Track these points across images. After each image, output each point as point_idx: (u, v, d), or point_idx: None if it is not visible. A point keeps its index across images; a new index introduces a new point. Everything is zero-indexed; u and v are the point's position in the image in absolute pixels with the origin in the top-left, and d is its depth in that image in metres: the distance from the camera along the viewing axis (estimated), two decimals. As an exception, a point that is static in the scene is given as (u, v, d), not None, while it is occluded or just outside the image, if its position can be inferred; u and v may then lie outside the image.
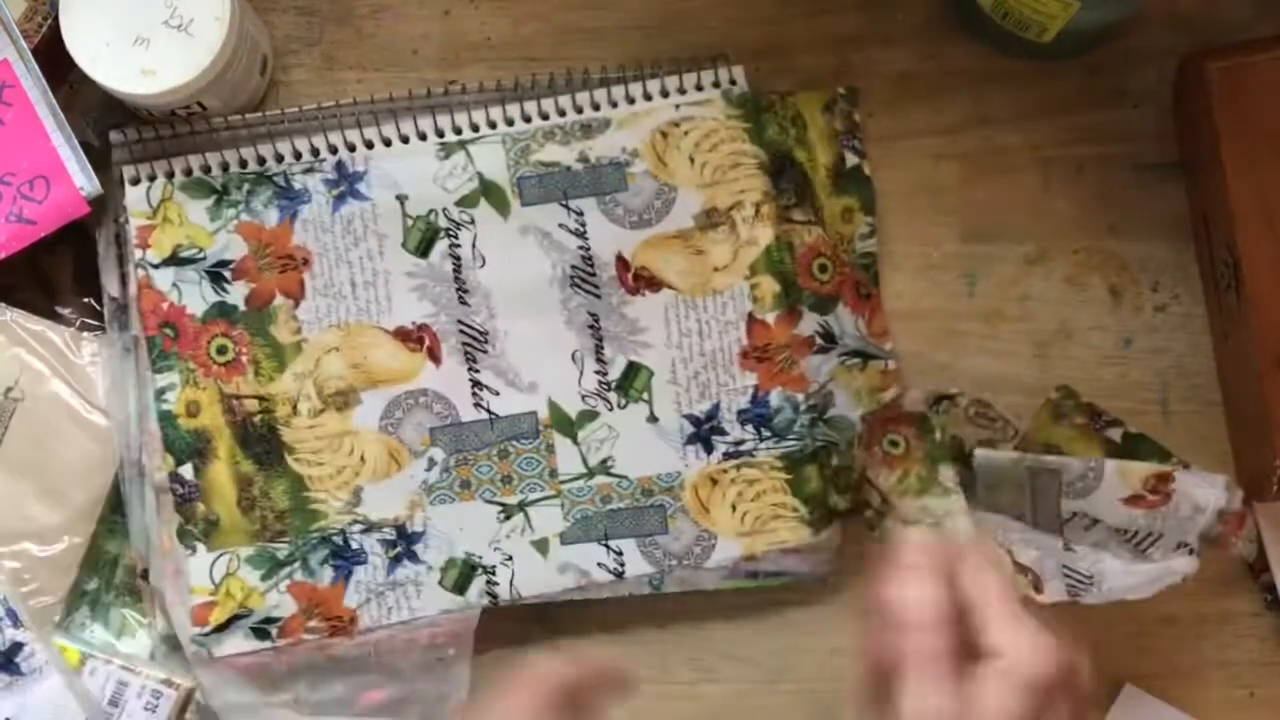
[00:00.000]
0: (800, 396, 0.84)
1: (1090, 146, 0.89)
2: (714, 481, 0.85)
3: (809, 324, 0.85)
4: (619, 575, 0.84)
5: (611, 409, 0.85)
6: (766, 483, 0.84)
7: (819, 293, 0.85)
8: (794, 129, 0.87)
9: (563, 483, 0.85)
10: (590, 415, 0.85)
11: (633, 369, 0.85)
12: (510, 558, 0.84)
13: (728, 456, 0.85)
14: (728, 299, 0.85)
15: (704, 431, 0.85)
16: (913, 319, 0.89)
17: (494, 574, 0.84)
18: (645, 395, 0.85)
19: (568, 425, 0.85)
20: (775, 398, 0.85)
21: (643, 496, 0.85)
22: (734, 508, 0.84)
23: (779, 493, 0.84)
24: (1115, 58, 0.89)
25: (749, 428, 0.85)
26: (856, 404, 0.86)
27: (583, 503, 0.85)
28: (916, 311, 0.89)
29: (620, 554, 0.84)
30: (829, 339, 0.85)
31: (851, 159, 0.88)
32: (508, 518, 0.84)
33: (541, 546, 0.84)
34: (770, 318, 0.85)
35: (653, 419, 0.85)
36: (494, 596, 0.84)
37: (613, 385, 0.85)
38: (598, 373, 0.85)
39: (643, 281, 0.85)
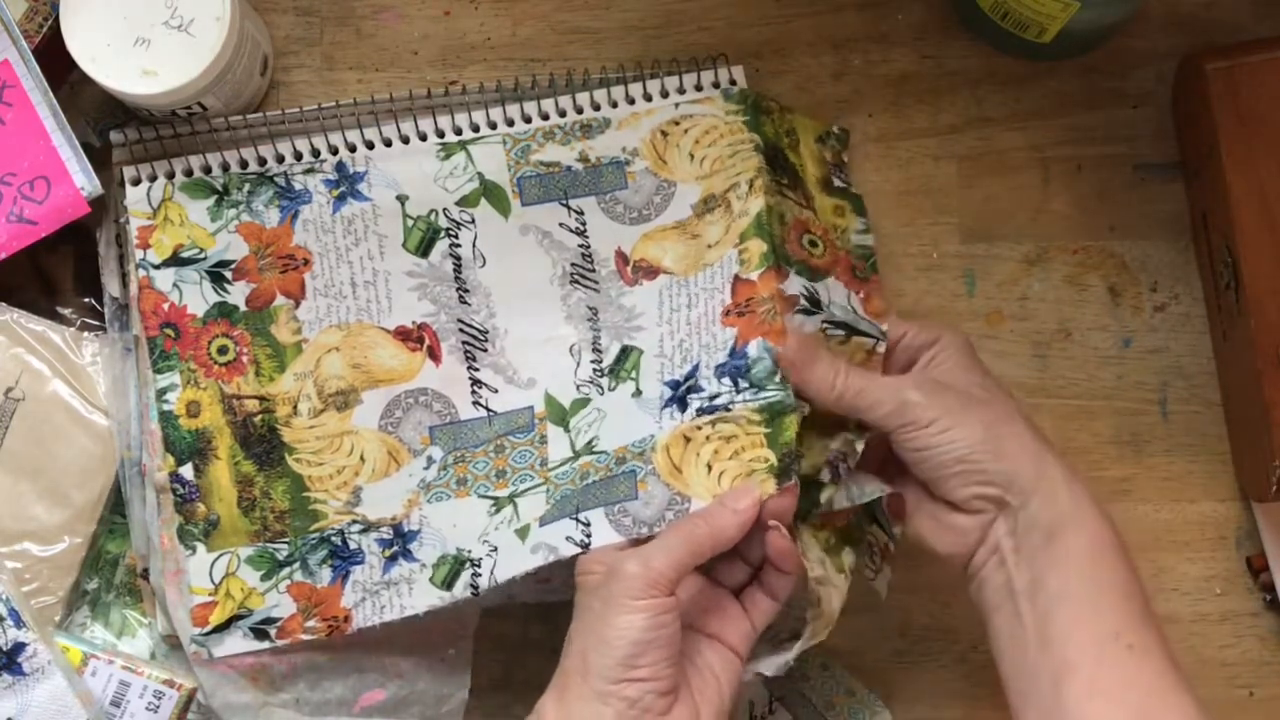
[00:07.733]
0: (782, 347, 0.80)
1: (1089, 146, 0.89)
2: (687, 440, 0.80)
3: (795, 284, 0.82)
4: (585, 548, 0.79)
5: (603, 393, 0.85)
6: (745, 439, 0.79)
7: (809, 263, 0.83)
8: (788, 138, 0.87)
9: (550, 470, 0.84)
10: (582, 402, 0.85)
11: (625, 352, 0.85)
12: (495, 549, 0.82)
13: (701, 413, 0.81)
14: (717, 269, 0.83)
15: (681, 392, 0.82)
16: (913, 319, 0.89)
17: (479, 566, 0.82)
18: (634, 373, 0.84)
19: (561, 415, 0.85)
20: (754, 348, 0.80)
21: (616, 465, 0.82)
22: (710, 467, 0.79)
23: (757, 448, 0.79)
24: (1115, 58, 0.89)
25: (725, 380, 0.81)
26: None
27: (565, 484, 0.83)
28: (916, 311, 0.89)
29: (588, 525, 0.80)
30: (814, 303, 0.82)
31: (839, 184, 0.88)
32: (498, 510, 0.84)
33: (523, 533, 0.82)
34: (755, 275, 0.81)
35: (637, 393, 0.83)
36: (475, 588, 0.82)
37: (605, 370, 0.85)
38: (593, 362, 0.85)
39: (641, 272, 0.85)
